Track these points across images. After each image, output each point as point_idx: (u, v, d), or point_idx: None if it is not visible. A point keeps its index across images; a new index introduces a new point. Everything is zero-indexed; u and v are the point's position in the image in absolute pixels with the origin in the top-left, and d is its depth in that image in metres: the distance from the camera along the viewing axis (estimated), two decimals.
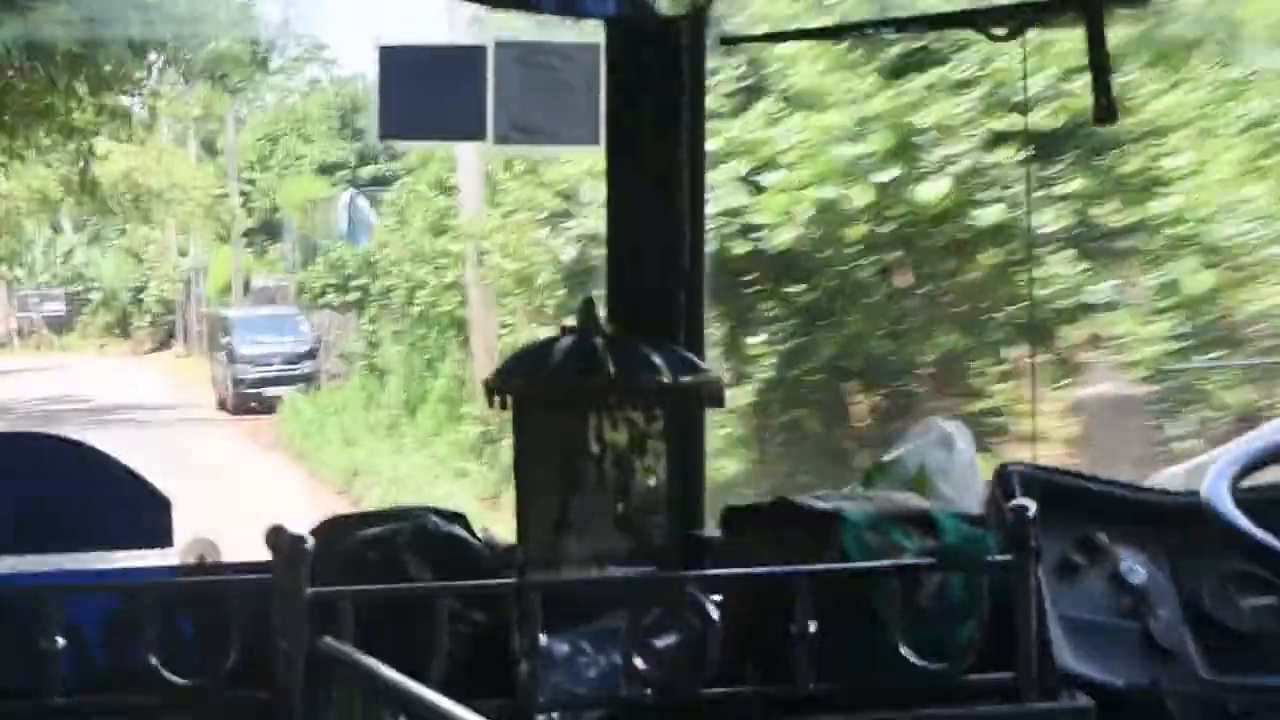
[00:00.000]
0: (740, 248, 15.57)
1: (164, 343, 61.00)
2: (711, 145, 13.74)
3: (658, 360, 3.21)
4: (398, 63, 4.53)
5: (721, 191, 15.22)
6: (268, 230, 53.13)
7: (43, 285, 68.39)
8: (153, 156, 37.32)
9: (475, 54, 4.28)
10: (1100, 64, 3.36)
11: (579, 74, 4.09)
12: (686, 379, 3.24)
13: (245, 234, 51.61)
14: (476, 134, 4.31)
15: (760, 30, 15.63)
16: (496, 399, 3.23)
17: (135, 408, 38.34)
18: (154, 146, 37.88)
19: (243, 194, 50.20)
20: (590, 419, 3.20)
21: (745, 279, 15.96)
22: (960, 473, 3.61)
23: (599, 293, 3.74)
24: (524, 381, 3.24)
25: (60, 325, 66.94)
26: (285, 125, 52.26)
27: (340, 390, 35.27)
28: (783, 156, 15.59)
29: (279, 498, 22.14)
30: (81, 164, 30.04)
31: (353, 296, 37.08)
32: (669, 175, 3.79)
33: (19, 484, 3.33)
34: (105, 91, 27.09)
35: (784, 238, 15.40)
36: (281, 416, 35.11)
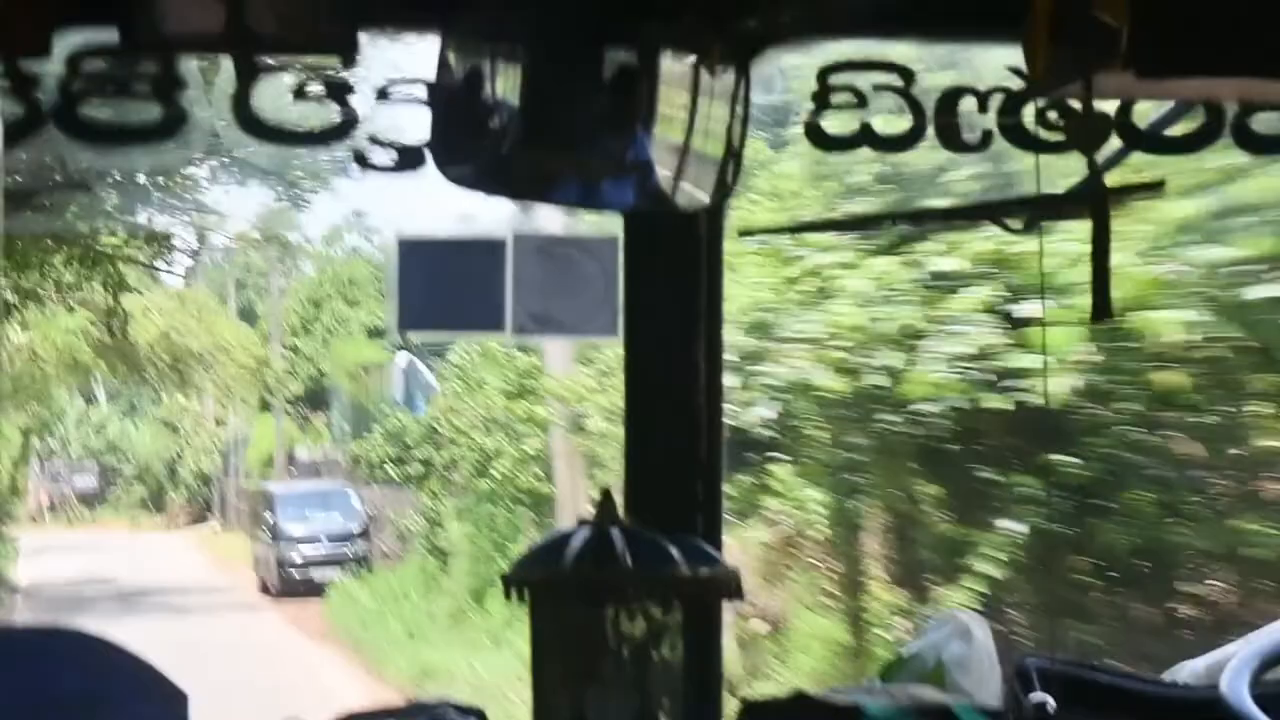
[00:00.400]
0: (986, 401, 12.73)
1: (200, 517, 58.95)
2: (949, 262, 12.60)
3: (675, 552, 3.21)
4: (416, 256, 4.56)
5: (957, 325, 12.88)
6: (312, 399, 50.43)
7: (75, 458, 66.64)
8: (191, 313, 34.84)
9: (494, 246, 4.32)
10: (1100, 262, 3.38)
11: (598, 265, 4.12)
12: (704, 571, 3.24)
13: (289, 402, 48.62)
14: (495, 326, 4.33)
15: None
16: (513, 591, 3.22)
17: (170, 591, 36.15)
18: (192, 301, 35.49)
19: (285, 359, 47.09)
20: (607, 611, 3.19)
21: (982, 445, 13.19)
22: (979, 666, 3.59)
23: (616, 482, 3.74)
24: (540, 574, 3.23)
25: (92, 499, 65.14)
26: (329, 288, 49.60)
27: (396, 573, 32.70)
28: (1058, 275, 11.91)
29: (342, 705, 19.18)
30: (112, 315, 28.30)
31: (414, 469, 34.08)
32: (687, 365, 3.81)
33: (31, 679, 3.31)
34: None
35: (1053, 387, 12.22)
36: (331, 602, 32.74)
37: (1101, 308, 3.39)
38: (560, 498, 24.79)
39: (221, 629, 29.50)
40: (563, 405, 23.50)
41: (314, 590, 34.29)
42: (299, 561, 35.99)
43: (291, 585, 35.55)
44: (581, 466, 23.65)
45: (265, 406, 48.74)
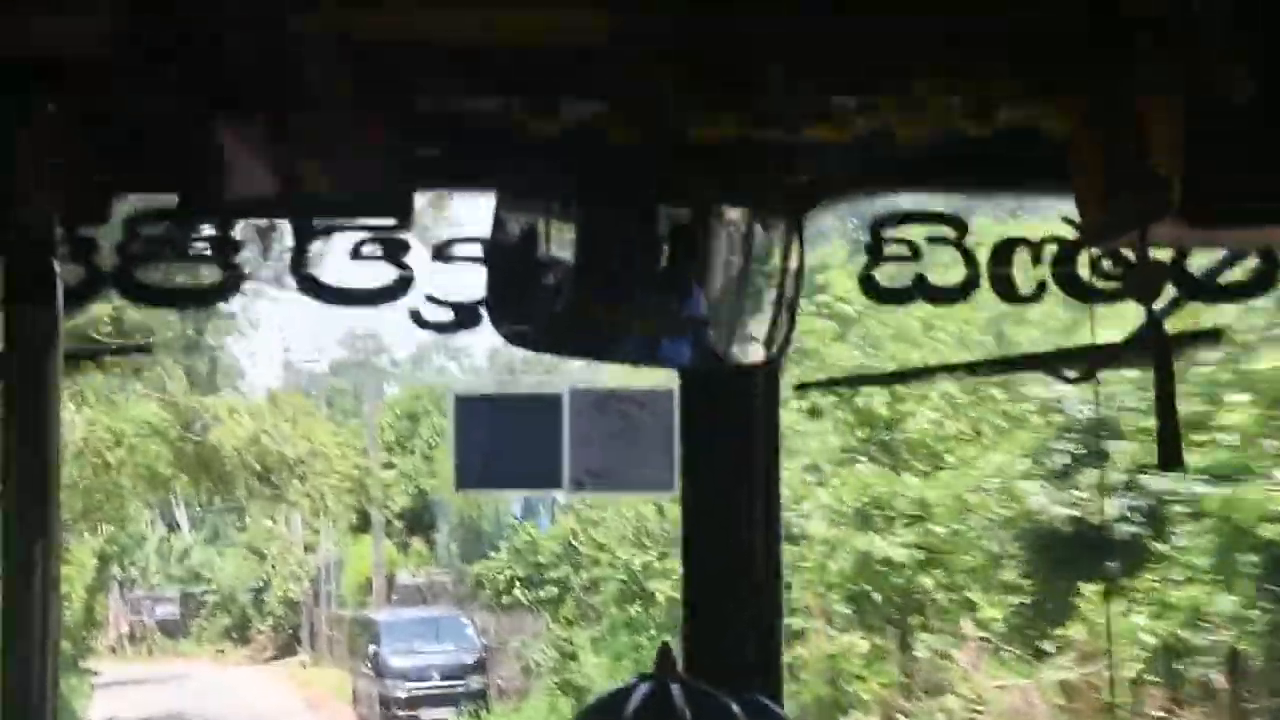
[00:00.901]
0: None
1: (286, 649, 56.00)
2: None
3: (736, 709, 3.19)
4: (474, 413, 4.58)
5: None
6: (413, 519, 47.26)
7: (156, 587, 64.08)
8: (285, 416, 30.53)
9: (551, 402, 4.34)
10: (1167, 409, 3.37)
11: (654, 420, 4.13)
12: None
13: (388, 521, 45.34)
14: (552, 483, 4.36)
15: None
16: None
17: None
18: (285, 403, 31.36)
19: (386, 473, 43.22)
20: None
21: None
22: None
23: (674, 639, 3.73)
24: None
25: (174, 629, 62.73)
26: (426, 403, 46.45)
27: (520, 712, 29.21)
28: None
29: None
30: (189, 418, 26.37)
31: (545, 592, 30.08)
32: (746, 522, 3.80)
33: None
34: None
35: None
36: None
37: (1171, 456, 3.38)
38: None
39: None
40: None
41: None
42: (405, 698, 32.45)
43: None
44: None
45: (362, 527, 45.28)
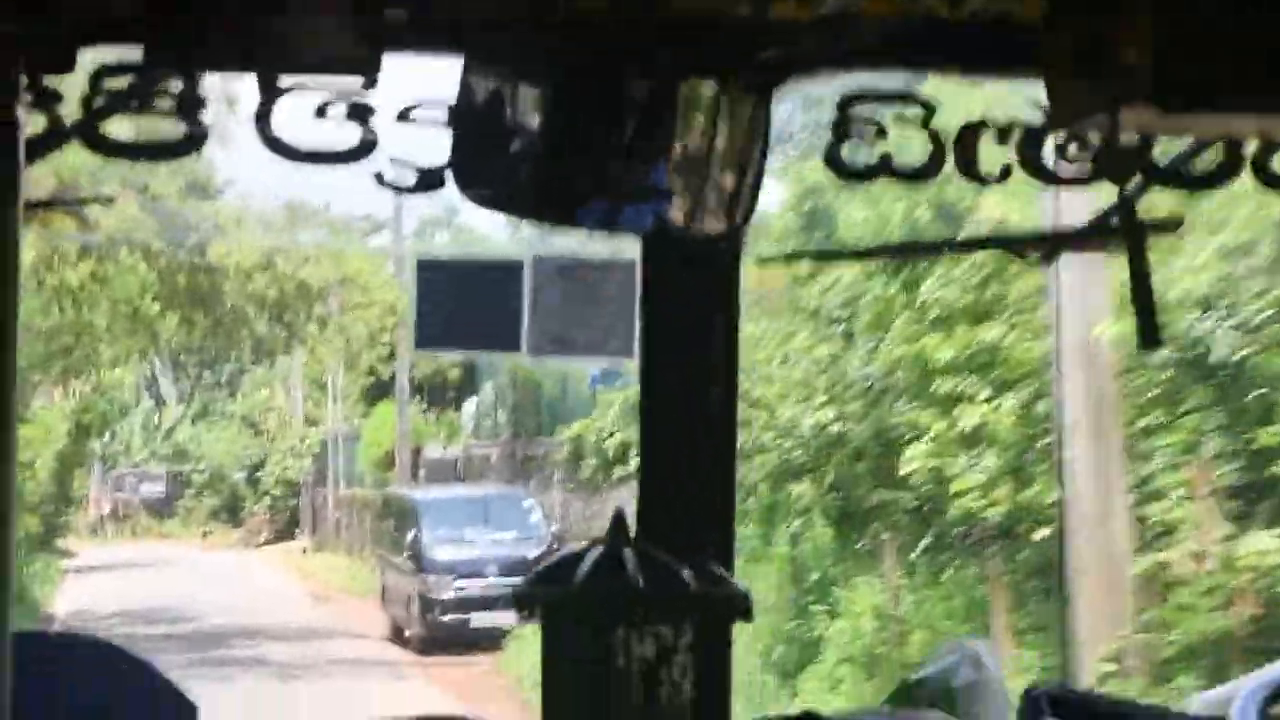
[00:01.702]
0: None
1: (284, 533, 51.53)
2: None
3: (687, 573, 3.23)
4: (436, 277, 4.59)
5: None
6: (439, 386, 41.96)
7: (141, 464, 60.66)
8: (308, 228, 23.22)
9: (512, 268, 4.34)
10: (1143, 292, 3.39)
11: (615, 288, 4.14)
12: (715, 593, 3.25)
13: (415, 388, 39.11)
14: (511, 346, 4.35)
15: None
16: (524, 609, 3.24)
17: (264, 636, 25.96)
18: (309, 216, 24.11)
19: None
20: (617, 632, 3.20)
21: None
22: (989, 693, 3.59)
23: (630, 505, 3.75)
24: (551, 592, 3.25)
25: (160, 509, 59.35)
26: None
27: None
28: None
29: None
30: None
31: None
32: (703, 389, 3.83)
33: (48, 688, 3.33)
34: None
35: None
36: (508, 661, 21.98)
37: (1149, 336, 3.41)
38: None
39: (339, 697, 19.74)
40: None
41: (475, 642, 24.35)
42: (452, 599, 25.46)
43: (443, 634, 25.15)
44: None
45: (379, 394, 40.43)
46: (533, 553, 23.86)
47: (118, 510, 59.33)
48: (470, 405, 38.93)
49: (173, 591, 33.03)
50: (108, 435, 54.83)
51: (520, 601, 3.25)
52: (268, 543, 51.11)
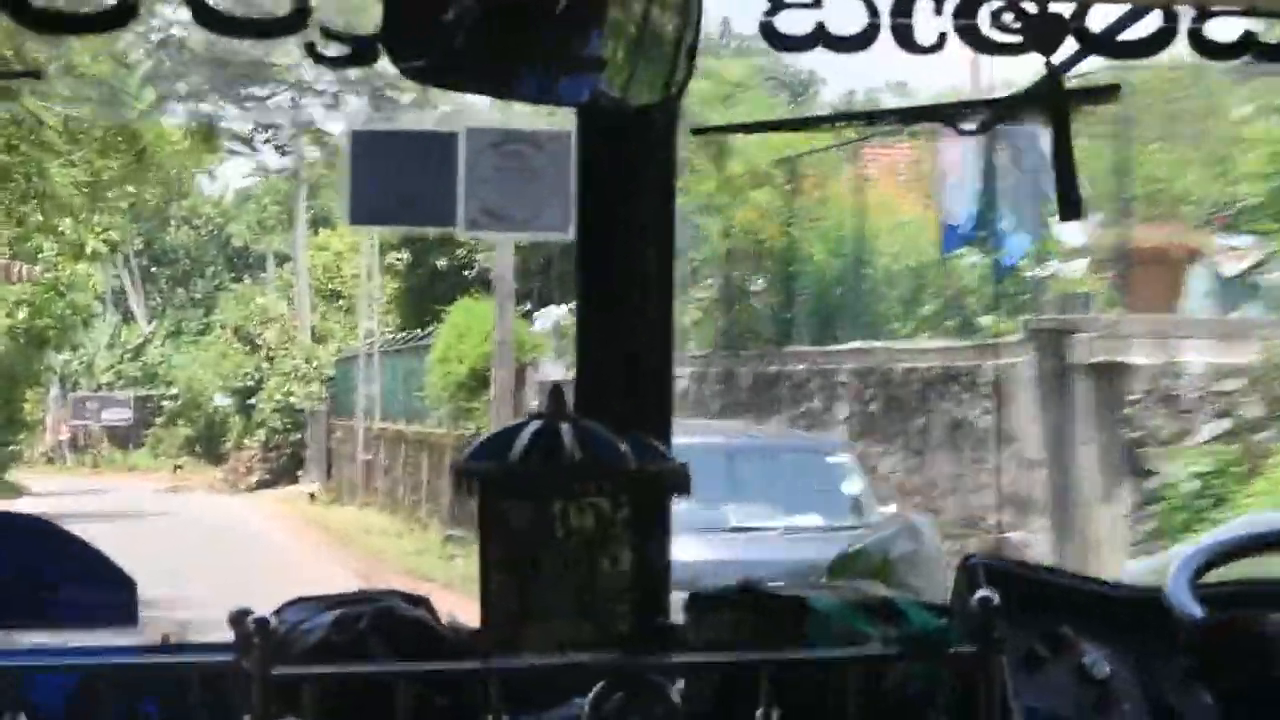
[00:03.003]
0: None
1: (281, 474, 40.71)
2: None
3: (624, 447, 3.23)
4: (368, 148, 4.55)
5: None
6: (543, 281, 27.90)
7: (105, 386, 52.92)
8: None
9: (446, 140, 4.31)
10: (1064, 161, 3.40)
11: (550, 161, 4.12)
12: (652, 466, 3.26)
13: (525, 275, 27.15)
14: (447, 220, 4.33)
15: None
16: (463, 483, 3.24)
17: None
18: None
19: None
20: (555, 505, 3.21)
21: None
22: (926, 564, 3.63)
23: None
24: (489, 466, 3.25)
25: (126, 438, 51.71)
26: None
27: None
28: None
29: None
30: None
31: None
32: (638, 262, 3.82)
33: None
34: None
35: None
36: None
37: (1070, 206, 3.42)
38: None
39: None
40: None
41: None
42: None
43: None
44: None
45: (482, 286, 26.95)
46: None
47: (78, 439, 51.50)
48: (551, 312, 26.94)
49: (139, 545, 24.69)
50: (68, 351, 47.28)
51: (459, 476, 3.25)
52: (261, 485, 40.40)
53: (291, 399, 39.77)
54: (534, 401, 25.06)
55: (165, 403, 50.18)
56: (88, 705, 3.19)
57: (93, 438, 51.79)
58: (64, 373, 50.38)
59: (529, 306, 27.83)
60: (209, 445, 47.03)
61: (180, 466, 47.26)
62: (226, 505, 35.15)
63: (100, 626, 3.41)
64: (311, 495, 35.61)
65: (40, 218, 22.97)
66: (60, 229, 24.18)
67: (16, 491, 33.52)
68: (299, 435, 40.69)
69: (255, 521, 31.21)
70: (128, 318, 54.47)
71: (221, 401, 44.65)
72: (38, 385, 40.14)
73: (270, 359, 40.91)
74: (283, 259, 46.36)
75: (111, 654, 3.37)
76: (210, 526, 30.54)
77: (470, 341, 27.65)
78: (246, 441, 42.37)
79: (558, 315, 26.44)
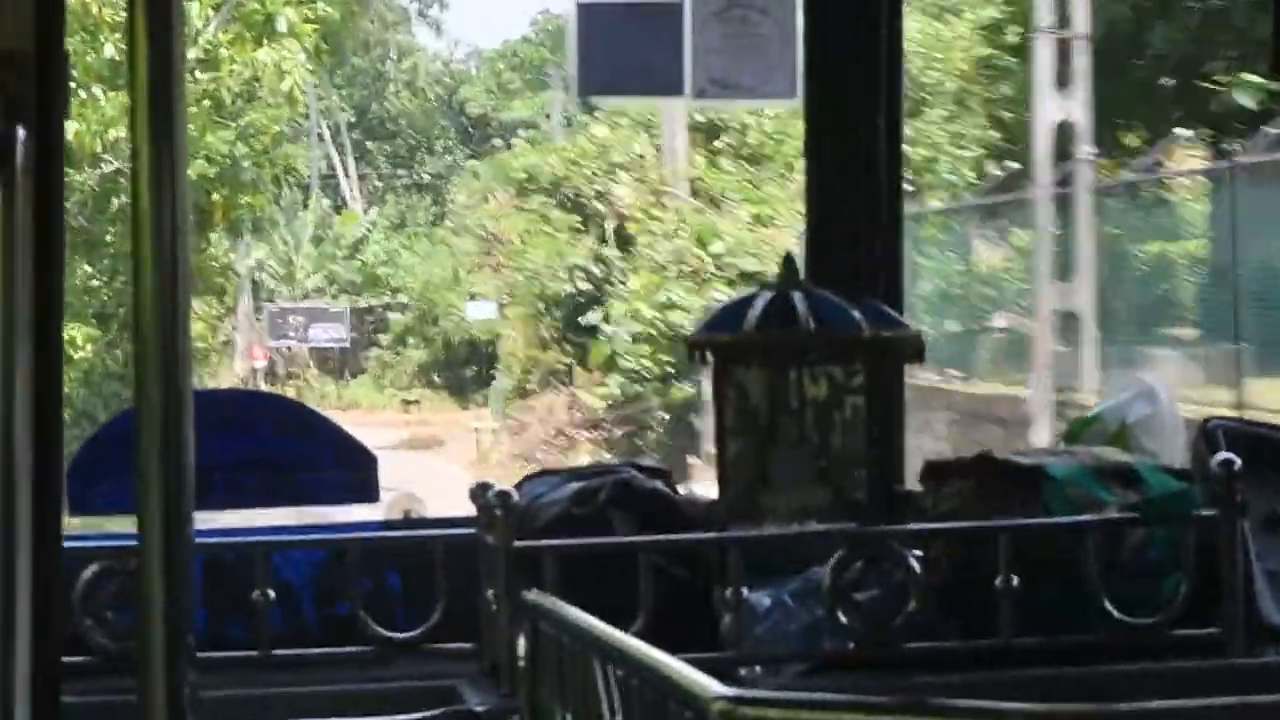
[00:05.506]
0: None
1: (638, 445, 23.42)
2: None
3: (856, 315, 3.22)
4: (596, 19, 4.56)
5: None
6: None
7: (311, 295, 37.99)
8: None
9: (672, 9, 4.31)
10: None
11: (776, 28, 4.10)
12: (886, 333, 3.25)
13: None
14: (674, 90, 4.33)
15: None
16: (697, 355, 3.26)
17: None
18: None
19: None
20: (790, 374, 3.21)
21: None
22: (1164, 428, 3.58)
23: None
24: (724, 337, 3.26)
25: (340, 364, 37.95)
26: None
27: None
28: None
29: None
30: None
31: None
32: (867, 130, 3.78)
33: (232, 440, 3.40)
34: None
35: None
36: None
37: None
38: None
39: None
40: None
41: None
42: None
43: None
44: None
45: None
46: None
47: (275, 367, 37.64)
48: None
49: None
50: (264, 250, 36.23)
51: (691, 347, 3.27)
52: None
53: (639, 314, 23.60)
54: None
55: (392, 315, 37.63)
56: (334, 580, 3.27)
57: (295, 363, 37.85)
58: (254, 279, 37.33)
59: None
60: (451, 374, 34.18)
61: (413, 403, 34.59)
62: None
63: (343, 502, 3.48)
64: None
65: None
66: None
67: None
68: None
69: None
70: (341, 203, 41.59)
71: (480, 313, 31.52)
72: (222, 295, 27.93)
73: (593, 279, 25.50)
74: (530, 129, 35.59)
75: (358, 530, 3.45)
76: None
77: None
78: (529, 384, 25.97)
79: None
